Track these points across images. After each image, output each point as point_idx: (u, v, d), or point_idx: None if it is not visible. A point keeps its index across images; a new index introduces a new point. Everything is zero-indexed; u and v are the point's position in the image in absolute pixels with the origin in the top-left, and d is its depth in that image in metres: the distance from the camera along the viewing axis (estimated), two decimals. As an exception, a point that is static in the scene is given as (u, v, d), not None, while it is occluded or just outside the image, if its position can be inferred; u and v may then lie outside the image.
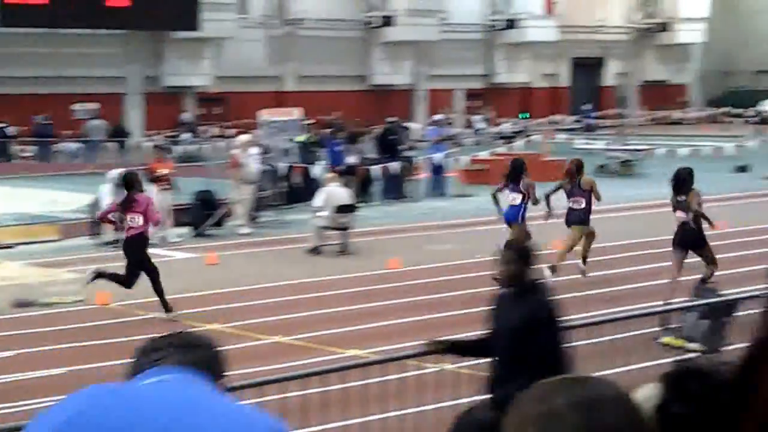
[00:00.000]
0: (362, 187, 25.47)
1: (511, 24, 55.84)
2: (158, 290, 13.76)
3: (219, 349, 2.47)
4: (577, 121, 54.20)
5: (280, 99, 44.72)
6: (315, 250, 18.91)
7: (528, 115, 52.06)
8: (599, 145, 35.10)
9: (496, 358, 6.89)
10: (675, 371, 2.87)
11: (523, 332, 6.62)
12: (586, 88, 59.97)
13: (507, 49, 56.56)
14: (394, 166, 26.52)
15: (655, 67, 63.44)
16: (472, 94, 54.52)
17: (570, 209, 16.03)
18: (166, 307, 13.78)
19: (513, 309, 6.76)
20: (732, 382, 0.50)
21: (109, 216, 14.82)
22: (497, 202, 16.38)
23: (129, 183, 14.36)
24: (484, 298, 14.03)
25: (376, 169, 26.38)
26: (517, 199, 16.12)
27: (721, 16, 64.54)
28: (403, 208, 25.64)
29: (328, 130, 30.80)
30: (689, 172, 14.08)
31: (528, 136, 38.93)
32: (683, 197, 13.57)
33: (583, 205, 15.85)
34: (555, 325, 6.76)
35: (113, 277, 13.90)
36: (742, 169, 31.16)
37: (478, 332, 7.40)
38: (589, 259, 15.98)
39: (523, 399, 1.83)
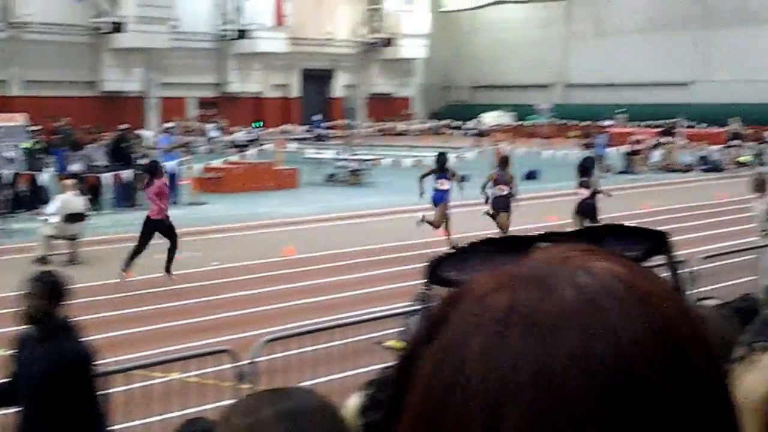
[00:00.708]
0: (92, 195, 25.07)
1: (242, 34, 56.21)
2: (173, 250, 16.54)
3: None
4: (308, 131, 55.13)
5: (4, 104, 43.08)
6: (42, 260, 18.01)
7: (261, 125, 52.57)
8: (329, 154, 35.99)
9: (22, 408, 5.92)
10: (375, 378, 3.08)
11: (50, 379, 5.73)
12: (316, 99, 61.17)
13: (239, 59, 56.90)
14: (126, 174, 26.28)
15: (381, 80, 65.55)
16: (205, 103, 54.51)
17: (497, 195, 19.16)
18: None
19: (39, 352, 5.79)
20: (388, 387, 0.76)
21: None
22: (421, 185, 19.66)
23: (150, 170, 17.59)
24: (220, 305, 14.45)
25: (107, 177, 26.04)
26: (444, 184, 19.35)
27: (441, 34, 67.63)
28: (136, 217, 25.22)
29: (55, 137, 30.08)
30: (592, 161, 20.27)
31: (261, 145, 39.39)
32: (585, 179, 18.35)
33: (506, 192, 19.12)
34: (88, 370, 5.86)
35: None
36: (462, 179, 32.80)
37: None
38: (328, 265, 16.81)
39: (231, 412, 1.88)
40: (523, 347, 0.68)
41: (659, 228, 0.81)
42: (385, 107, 63.61)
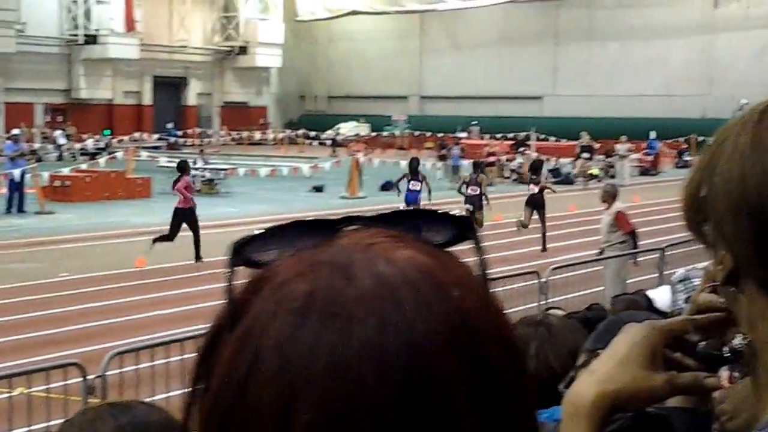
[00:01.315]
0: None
1: (92, 39, 54.88)
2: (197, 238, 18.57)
3: None
4: (161, 139, 54.28)
5: None
6: None
7: (110, 132, 51.45)
8: (183, 163, 35.39)
9: None
10: None
11: None
12: (169, 107, 60.25)
13: (88, 65, 55.53)
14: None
15: (236, 88, 65.04)
16: (53, 109, 52.99)
17: (470, 195, 22.55)
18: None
19: None
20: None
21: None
22: (398, 186, 23.79)
23: (181, 168, 20.21)
24: (68, 318, 13.95)
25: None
26: (416, 185, 23.16)
27: (297, 43, 67.60)
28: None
29: None
30: (541, 162, 24.68)
31: (111, 153, 38.50)
32: (535, 177, 22.32)
33: (477, 192, 22.59)
34: None
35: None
36: (319, 189, 32.73)
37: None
38: (181, 276, 16.46)
39: (68, 427, 1.81)
40: (319, 336, 0.68)
41: (464, 214, 0.83)
42: (241, 116, 63.08)
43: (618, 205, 15.26)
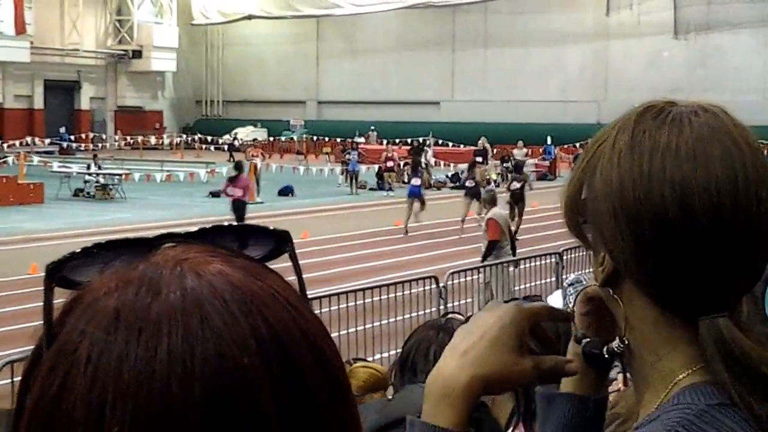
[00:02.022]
0: None
1: (-20, 42, 53.44)
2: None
3: None
4: (53, 143, 53.15)
5: None
6: None
7: (1, 137, 50.13)
8: (76, 168, 34.74)
9: None
10: None
11: None
12: (62, 111, 58.97)
13: (-24, 68, 54.11)
14: None
15: (131, 93, 64.04)
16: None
17: (468, 186, 24.99)
18: None
19: None
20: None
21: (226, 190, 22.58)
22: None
23: (238, 167, 23.58)
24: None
25: None
26: (417, 181, 26.48)
27: (193, 47, 66.88)
28: None
29: None
30: (523, 163, 29.50)
31: (2, 158, 37.52)
32: (518, 175, 24.69)
33: (474, 184, 25.01)
34: None
35: None
36: (216, 194, 32.35)
37: None
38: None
39: None
40: (127, 350, 0.69)
41: (282, 228, 0.83)
42: (136, 121, 62.12)
43: (494, 211, 15.42)
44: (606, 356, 1.32)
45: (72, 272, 0.76)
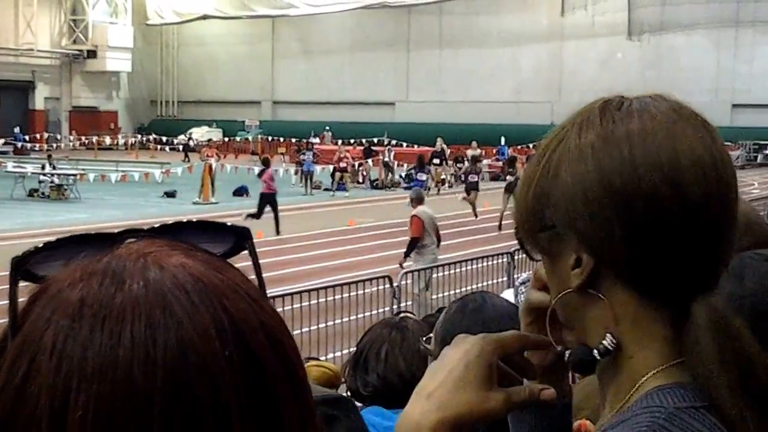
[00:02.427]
0: None
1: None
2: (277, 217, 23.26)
3: None
4: (7, 144, 52.72)
5: None
6: None
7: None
8: (31, 168, 34.55)
9: None
10: None
11: None
12: (16, 111, 58.49)
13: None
14: None
15: (86, 93, 63.65)
16: None
17: (470, 181, 28.24)
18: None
19: None
20: None
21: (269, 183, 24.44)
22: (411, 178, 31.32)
23: (265, 162, 25.91)
24: None
25: None
26: (422, 176, 32.87)
27: (148, 47, 66.57)
28: None
29: None
30: (515, 158, 30.85)
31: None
32: (512, 169, 27.55)
33: (476, 179, 28.43)
34: None
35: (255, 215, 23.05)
36: (171, 194, 32.33)
37: None
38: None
39: None
40: (92, 339, 0.70)
41: (242, 225, 0.85)
42: (91, 121, 61.76)
43: (420, 209, 15.53)
44: (599, 358, 1.25)
45: (36, 266, 0.79)
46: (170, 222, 0.82)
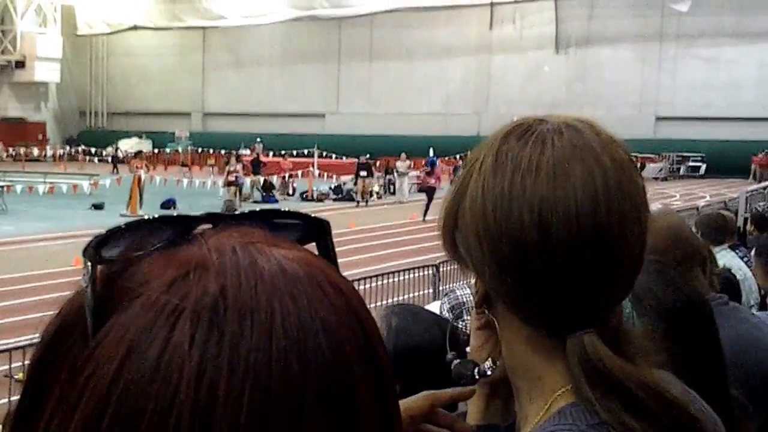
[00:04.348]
0: None
1: None
2: None
3: None
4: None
5: None
6: None
7: None
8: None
9: None
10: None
11: None
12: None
13: None
14: None
15: (13, 103, 62.96)
16: None
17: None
18: None
19: None
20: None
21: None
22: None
23: (432, 164, 29.37)
24: None
25: None
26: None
27: (77, 58, 65.98)
28: None
29: None
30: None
31: None
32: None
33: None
34: None
35: None
36: (99, 206, 32.15)
37: None
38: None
39: None
40: (240, 336, 0.63)
41: (322, 216, 0.78)
42: (18, 132, 61.04)
43: None
44: (477, 377, 1.28)
45: (112, 249, 0.68)
46: (257, 210, 0.75)
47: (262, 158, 43.90)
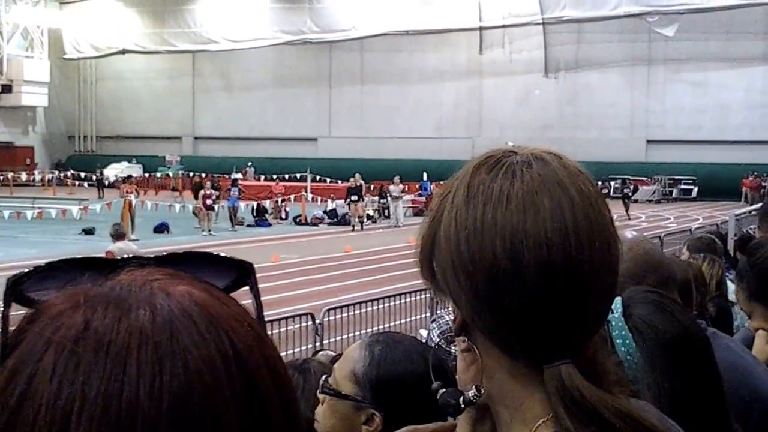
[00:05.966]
0: None
1: None
2: None
3: None
4: None
5: None
6: None
7: None
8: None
9: None
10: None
11: None
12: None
13: None
14: None
15: (0, 128, 62.70)
16: None
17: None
18: None
19: None
20: None
21: None
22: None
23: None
24: None
25: None
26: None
27: (65, 82, 65.81)
28: None
29: None
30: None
31: None
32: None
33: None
34: None
35: None
36: (89, 231, 31.82)
37: None
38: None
39: None
40: (95, 365, 0.69)
41: (244, 259, 0.84)
42: (6, 157, 60.75)
43: (117, 245, 15.19)
44: (462, 406, 1.29)
45: (31, 288, 0.77)
46: (174, 252, 0.82)
47: (252, 182, 43.67)
